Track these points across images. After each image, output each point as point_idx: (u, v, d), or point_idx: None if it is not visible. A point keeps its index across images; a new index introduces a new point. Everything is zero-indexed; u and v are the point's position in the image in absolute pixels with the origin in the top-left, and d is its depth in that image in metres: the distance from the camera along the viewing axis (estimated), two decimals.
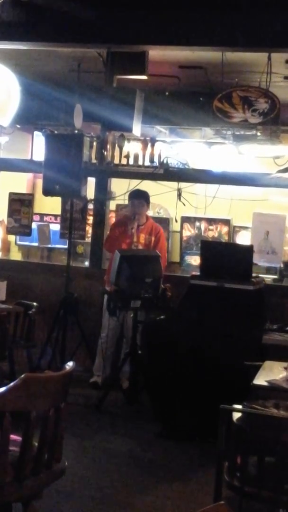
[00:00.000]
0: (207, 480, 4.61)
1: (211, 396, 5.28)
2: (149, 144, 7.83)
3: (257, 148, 8.28)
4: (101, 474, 5.07)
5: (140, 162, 7.79)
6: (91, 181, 7.72)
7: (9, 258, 9.68)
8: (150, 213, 9.19)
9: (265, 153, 8.56)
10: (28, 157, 9.54)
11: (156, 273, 6.54)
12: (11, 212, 8.41)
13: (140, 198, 7.28)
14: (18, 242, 10.17)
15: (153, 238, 7.31)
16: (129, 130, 7.71)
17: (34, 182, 10.92)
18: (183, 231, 8.52)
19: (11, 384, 3.22)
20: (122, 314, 6.96)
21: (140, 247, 7.18)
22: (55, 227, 9.23)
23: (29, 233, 8.63)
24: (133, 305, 6.49)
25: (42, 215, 10.07)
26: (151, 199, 8.73)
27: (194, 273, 6.72)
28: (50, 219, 9.90)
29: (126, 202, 8.27)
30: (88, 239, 8.32)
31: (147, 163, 7.81)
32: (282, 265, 7.74)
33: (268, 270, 7.84)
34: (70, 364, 3.59)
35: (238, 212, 9.11)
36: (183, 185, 7.98)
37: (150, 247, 7.25)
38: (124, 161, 7.83)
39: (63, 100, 8.21)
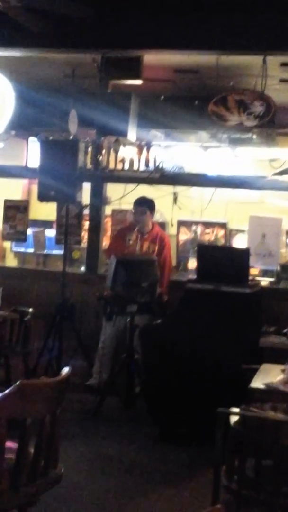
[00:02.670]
0: (205, 484, 4.59)
1: (209, 399, 5.26)
2: (145, 149, 7.84)
3: (253, 151, 8.28)
4: (98, 480, 5.05)
5: (136, 167, 7.80)
6: (87, 187, 7.71)
7: (4, 264, 9.66)
8: None
9: (261, 156, 8.56)
10: (23, 163, 9.54)
11: (152, 277, 6.53)
12: (6, 219, 8.40)
13: (142, 205, 7.20)
14: (14, 249, 10.16)
15: (156, 247, 7.22)
16: (125, 134, 7.70)
17: (29, 188, 10.91)
18: (180, 235, 8.51)
19: (7, 391, 3.20)
20: (120, 320, 6.91)
21: None
22: (51, 233, 9.21)
23: (24, 239, 8.62)
24: (130, 310, 6.47)
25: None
26: None
27: (190, 277, 6.71)
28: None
29: (122, 207, 8.28)
30: (84, 245, 8.31)
31: (142, 167, 7.81)
32: (278, 268, 7.73)
33: (265, 273, 7.83)
34: (66, 370, 3.57)
35: (234, 215, 9.11)
36: (179, 189, 7.98)
37: (153, 255, 7.12)
38: (119, 166, 7.83)
39: (58, 106, 8.21)
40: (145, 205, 7.21)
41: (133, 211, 7.33)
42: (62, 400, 3.53)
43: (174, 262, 8.50)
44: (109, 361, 7.06)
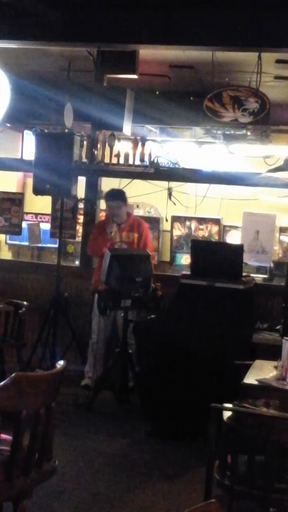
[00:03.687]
0: (198, 479, 4.62)
1: (202, 395, 5.29)
2: (140, 144, 7.84)
3: (247, 147, 8.29)
4: (92, 474, 5.07)
5: (131, 162, 7.80)
6: (82, 180, 7.71)
7: None
8: (140, 212, 9.20)
9: (255, 152, 8.58)
10: (19, 156, 9.52)
11: (146, 272, 6.54)
12: (1, 211, 8.40)
13: (116, 199, 7.16)
14: (8, 242, 10.15)
15: (136, 235, 7.21)
16: (120, 129, 7.71)
17: (24, 181, 10.90)
18: (174, 230, 8.52)
19: (1, 383, 3.22)
20: (113, 314, 6.94)
21: (124, 245, 7.12)
22: (46, 226, 9.21)
23: (19, 232, 8.62)
24: (124, 305, 6.48)
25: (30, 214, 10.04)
26: (142, 199, 8.72)
27: (184, 272, 6.73)
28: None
29: None
30: (79, 239, 8.31)
31: (137, 162, 7.81)
32: (272, 265, 7.75)
33: (258, 270, 7.85)
34: (61, 363, 3.59)
35: (228, 212, 9.12)
36: (173, 184, 7.98)
37: (134, 244, 7.16)
38: (114, 160, 7.82)
39: (53, 99, 8.20)
40: (119, 198, 7.18)
41: (108, 206, 7.28)
42: (57, 393, 3.54)
43: (168, 257, 8.54)
44: (102, 356, 7.07)
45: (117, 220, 7.16)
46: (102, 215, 8.50)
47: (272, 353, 4.95)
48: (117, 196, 7.21)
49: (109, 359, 7.02)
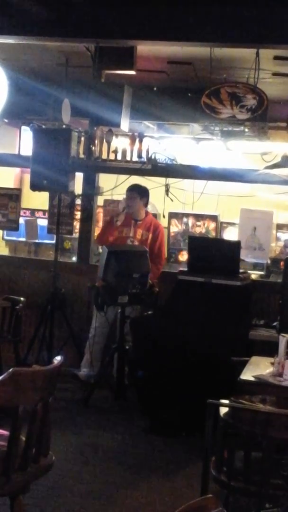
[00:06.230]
0: (194, 475, 4.63)
1: (198, 391, 5.30)
2: (137, 140, 7.83)
3: (245, 144, 8.29)
4: (89, 469, 5.08)
5: (128, 158, 7.79)
6: (79, 176, 7.71)
7: None
8: None
9: (252, 149, 8.59)
10: (16, 152, 9.51)
11: (143, 268, 6.55)
12: None
13: (132, 190, 7.28)
14: (5, 237, 10.14)
15: (150, 235, 7.26)
16: (117, 125, 7.71)
17: (21, 177, 10.90)
18: (171, 227, 8.51)
19: None
20: (114, 310, 6.92)
21: (136, 242, 7.15)
22: (43, 222, 9.20)
23: (16, 228, 8.61)
24: (121, 301, 6.49)
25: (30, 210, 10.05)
26: None
27: (181, 268, 6.74)
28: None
29: (114, 197, 8.30)
30: (76, 235, 8.31)
31: (135, 158, 7.80)
32: (269, 261, 7.76)
33: (255, 266, 7.85)
34: (58, 359, 3.59)
35: (225, 208, 9.12)
36: (170, 180, 7.97)
37: (147, 243, 7.18)
38: (112, 156, 7.82)
39: (51, 95, 8.20)
40: (135, 190, 7.28)
41: (125, 196, 7.39)
42: (54, 388, 3.55)
43: (165, 253, 8.53)
44: (100, 351, 7.08)
45: (129, 211, 7.23)
46: (99, 211, 8.52)
47: (268, 349, 4.97)
48: (134, 188, 7.34)
49: (106, 356, 7.04)
